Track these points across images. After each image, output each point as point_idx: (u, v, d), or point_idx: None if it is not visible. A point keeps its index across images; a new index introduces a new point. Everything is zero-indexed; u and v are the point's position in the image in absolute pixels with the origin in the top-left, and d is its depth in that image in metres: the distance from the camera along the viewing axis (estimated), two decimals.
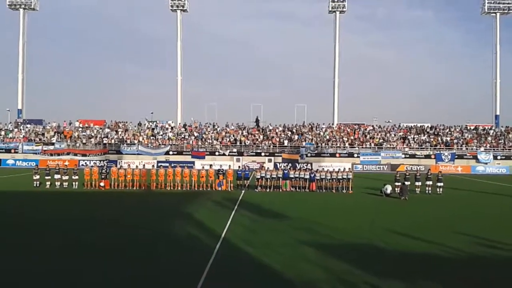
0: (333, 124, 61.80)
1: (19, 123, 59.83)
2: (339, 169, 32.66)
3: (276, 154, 52.05)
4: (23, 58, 64.61)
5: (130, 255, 12.17)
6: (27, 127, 58.19)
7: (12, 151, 52.28)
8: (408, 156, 52.23)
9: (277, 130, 58.04)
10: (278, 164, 48.81)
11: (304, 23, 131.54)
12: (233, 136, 56.21)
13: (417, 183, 28.26)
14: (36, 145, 52.55)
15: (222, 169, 29.52)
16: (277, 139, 55.34)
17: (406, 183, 26.12)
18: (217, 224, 16.28)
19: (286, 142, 54.61)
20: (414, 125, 60.14)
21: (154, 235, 14.80)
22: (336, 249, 13.03)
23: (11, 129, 57.89)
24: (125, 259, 11.75)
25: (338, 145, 54.29)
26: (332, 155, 52.25)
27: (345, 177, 28.40)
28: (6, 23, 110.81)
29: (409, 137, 56.33)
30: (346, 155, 52.40)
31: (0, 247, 13.01)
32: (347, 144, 54.53)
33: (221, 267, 11.04)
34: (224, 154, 52.38)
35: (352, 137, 56.22)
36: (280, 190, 27.74)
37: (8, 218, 17.91)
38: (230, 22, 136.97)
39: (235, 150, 53.00)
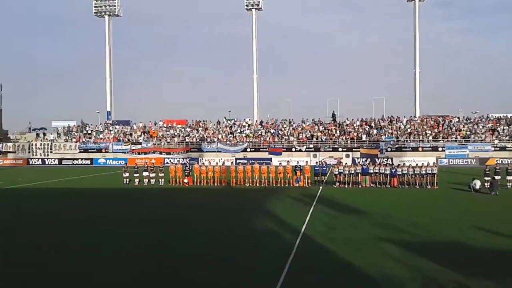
0: (414, 116, 59.30)
1: (109, 124, 64.26)
2: (422, 163, 31.30)
3: (354, 149, 51.08)
4: (110, 63, 69.26)
5: (211, 251, 12.64)
6: (116, 128, 62.32)
7: (103, 150, 56.31)
8: (498, 148, 48.77)
9: (354, 125, 56.89)
10: (356, 159, 47.84)
11: (381, 13, 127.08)
12: (310, 132, 55.98)
13: (508, 177, 26.39)
14: (124, 145, 56.15)
15: (299, 165, 29.58)
16: (355, 134, 54.24)
17: (497, 177, 24.46)
18: (296, 219, 16.41)
19: (364, 137, 53.37)
20: (503, 116, 55.89)
21: (234, 230, 15.25)
22: (421, 246, 12.58)
23: (101, 130, 62.35)
24: (206, 254, 12.23)
25: (420, 138, 52.02)
26: (414, 149, 50.20)
27: (429, 172, 27.21)
28: (92, 30, 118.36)
29: (498, 128, 52.51)
30: (430, 149, 50.06)
31: (96, 241, 14.12)
32: (430, 138, 52.06)
33: (302, 263, 11.13)
34: (300, 150, 52.38)
35: (436, 130, 53.56)
36: (360, 186, 27.24)
37: (102, 213, 19.38)
38: (304, 16, 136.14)
39: (311, 146, 52.78)
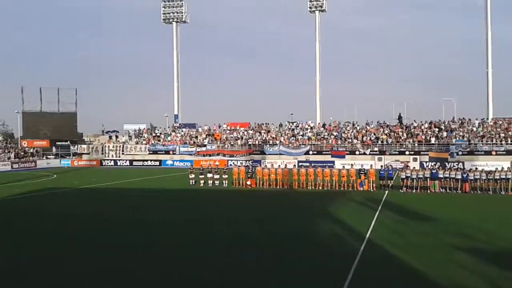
0: (487, 118, 56.01)
1: (176, 127, 66.54)
2: (496, 168, 29.52)
3: (421, 153, 49.12)
4: (177, 68, 71.68)
5: (273, 253, 12.71)
6: (182, 131, 64.40)
7: (171, 152, 58.36)
8: None
9: (422, 127, 54.73)
10: (424, 163, 45.99)
11: (449, 10, 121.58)
12: (374, 134, 54.61)
13: None
14: (190, 147, 57.88)
15: (364, 169, 28.95)
16: (423, 137, 52.16)
17: None
18: (361, 224, 16.09)
19: (433, 140, 51.18)
20: None
21: (297, 234, 15.22)
22: (495, 255, 11.89)
23: (169, 133, 64.68)
24: (270, 257, 12.32)
25: (494, 141, 49.02)
26: (487, 152, 47.34)
27: (503, 177, 25.61)
28: (160, 37, 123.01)
29: None
30: (504, 152, 47.00)
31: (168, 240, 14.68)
32: (504, 141, 48.93)
33: (367, 269, 10.90)
34: (365, 153, 51.22)
35: (510, 133, 50.26)
36: (428, 191, 26.19)
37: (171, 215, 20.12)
38: (368, 17, 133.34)
39: (376, 149, 51.43)
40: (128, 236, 14.98)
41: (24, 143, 60.70)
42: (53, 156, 60.49)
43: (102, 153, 61.17)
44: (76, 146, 63.08)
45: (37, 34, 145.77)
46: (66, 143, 62.08)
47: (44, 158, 59.12)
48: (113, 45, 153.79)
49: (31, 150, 59.44)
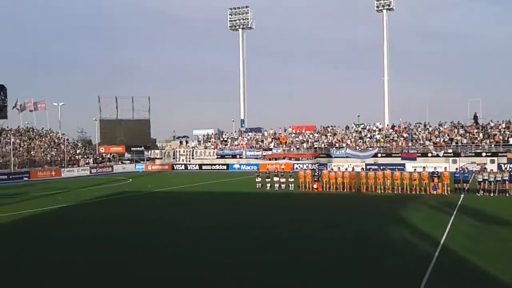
0: None
1: (242, 132, 67.69)
2: None
3: (499, 154, 46.23)
4: (243, 74, 73.03)
5: (346, 258, 12.59)
6: (248, 135, 65.38)
7: (237, 156, 59.46)
8: None
9: (499, 127, 51.44)
10: (502, 165, 43.21)
11: None
12: (448, 135, 52.15)
13: None
14: (256, 151, 58.60)
15: (437, 172, 27.76)
16: (500, 137, 49.04)
17: None
18: (435, 230, 15.47)
19: (511, 140, 47.96)
20: None
21: (368, 238, 14.94)
22: None
23: (236, 137, 65.92)
24: (342, 261, 12.23)
25: None
26: None
27: None
28: (227, 44, 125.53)
29: None
30: None
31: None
32: None
33: (441, 275, 10.50)
34: (438, 155, 49.07)
35: None
36: (507, 195, 24.61)
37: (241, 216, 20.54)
38: (438, 14, 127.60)
39: (450, 150, 49.11)
40: (197, 240, 15.50)
41: (102, 149, 64.59)
42: (128, 161, 63.79)
43: (174, 158, 63.65)
44: (149, 152, 66.14)
45: (112, 47, 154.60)
46: (140, 148, 65.22)
47: (120, 163, 62.54)
48: (183, 53, 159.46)
49: (108, 156, 63.17)
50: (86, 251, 13.76)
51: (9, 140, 51.14)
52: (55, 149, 56.86)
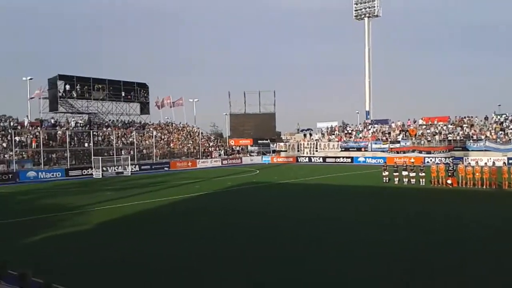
0: None
1: (367, 124, 65.96)
2: None
3: None
4: (368, 64, 70.98)
5: (486, 257, 11.80)
6: (374, 127, 63.50)
7: (362, 149, 58.17)
8: None
9: None
10: None
11: None
12: None
13: None
14: (383, 143, 56.70)
15: None
16: None
17: None
18: None
19: None
20: None
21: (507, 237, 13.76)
22: None
23: (360, 129, 64.51)
24: (478, 260, 11.50)
25: None
26: None
27: None
28: (351, 33, 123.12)
29: None
30: None
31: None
32: None
33: None
34: None
35: None
36: None
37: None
38: None
39: None
40: (322, 231, 15.74)
41: (232, 142, 68.31)
42: (255, 153, 66.49)
43: (298, 150, 64.68)
44: (275, 144, 68.11)
45: (240, 46, 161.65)
46: (267, 141, 67.49)
47: (248, 155, 65.50)
48: (307, 46, 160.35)
49: (237, 148, 66.62)
50: (231, 236, 14.93)
51: (151, 134, 56.93)
52: (191, 142, 61.71)
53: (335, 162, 57.65)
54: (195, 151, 58.99)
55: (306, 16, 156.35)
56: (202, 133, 65.91)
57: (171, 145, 58.89)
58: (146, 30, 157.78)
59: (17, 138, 43.83)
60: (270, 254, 12.33)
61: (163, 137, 60.26)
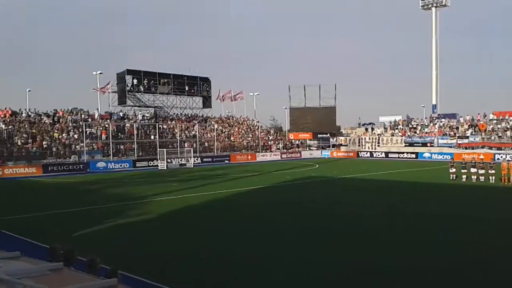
0: None
1: (434, 118, 63.30)
2: None
3: None
4: (436, 55, 68.02)
5: None
6: (441, 122, 60.82)
7: (428, 144, 55.94)
8: None
9: None
10: None
11: None
12: None
13: None
14: (450, 139, 54.20)
15: None
16: None
17: None
18: None
19: None
20: None
21: None
22: None
23: (426, 124, 62.04)
24: None
25: None
26: None
27: None
28: (417, 24, 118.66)
29: None
30: None
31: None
32: None
33: None
34: None
35: None
36: None
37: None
38: None
39: None
40: (384, 226, 15.39)
41: (291, 136, 68.26)
42: (315, 148, 65.99)
43: (359, 145, 63.42)
44: (335, 138, 67.22)
45: (304, 36, 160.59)
46: (326, 135, 66.76)
47: (307, 149, 65.14)
48: (369, 37, 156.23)
49: (297, 142, 66.45)
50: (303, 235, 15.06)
51: (213, 127, 58.18)
52: (251, 135, 62.38)
53: (398, 157, 55.88)
54: (254, 144, 59.58)
55: (371, 7, 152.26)
56: (261, 126, 66.36)
57: (232, 138, 59.85)
58: (209, 24, 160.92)
59: (88, 130, 46.49)
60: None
61: (224, 130, 61.38)
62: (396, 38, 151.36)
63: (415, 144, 57.31)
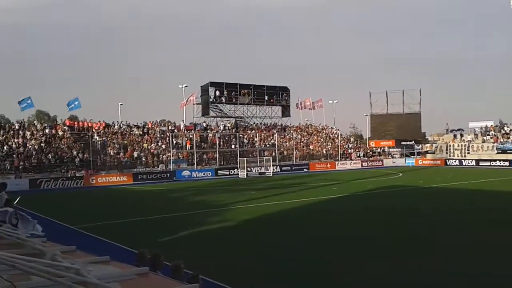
0: None
1: None
2: None
3: None
4: None
5: None
6: None
7: None
8: None
9: None
10: None
11: None
12: None
13: None
14: None
15: None
16: None
17: None
18: None
19: None
20: None
21: None
22: None
23: None
24: None
25: None
26: None
27: None
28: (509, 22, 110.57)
29: None
30: None
31: None
32: None
33: None
34: None
35: None
36: None
37: None
38: None
39: None
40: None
41: (372, 143, 66.36)
42: (398, 155, 63.55)
43: (447, 152, 60.05)
44: (420, 146, 64.26)
45: (379, 42, 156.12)
46: (411, 142, 64.05)
47: (390, 157, 62.91)
48: (456, 37, 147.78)
49: (378, 150, 64.45)
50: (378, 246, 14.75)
51: (292, 136, 58.36)
52: (330, 143, 61.66)
53: (490, 165, 52.13)
54: (334, 152, 58.77)
55: (458, 5, 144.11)
56: (341, 134, 65.29)
57: (311, 146, 59.56)
58: (286, 33, 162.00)
59: (174, 141, 48.86)
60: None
61: (302, 139, 61.30)
62: (487, 38, 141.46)
63: (508, 151, 53.06)
